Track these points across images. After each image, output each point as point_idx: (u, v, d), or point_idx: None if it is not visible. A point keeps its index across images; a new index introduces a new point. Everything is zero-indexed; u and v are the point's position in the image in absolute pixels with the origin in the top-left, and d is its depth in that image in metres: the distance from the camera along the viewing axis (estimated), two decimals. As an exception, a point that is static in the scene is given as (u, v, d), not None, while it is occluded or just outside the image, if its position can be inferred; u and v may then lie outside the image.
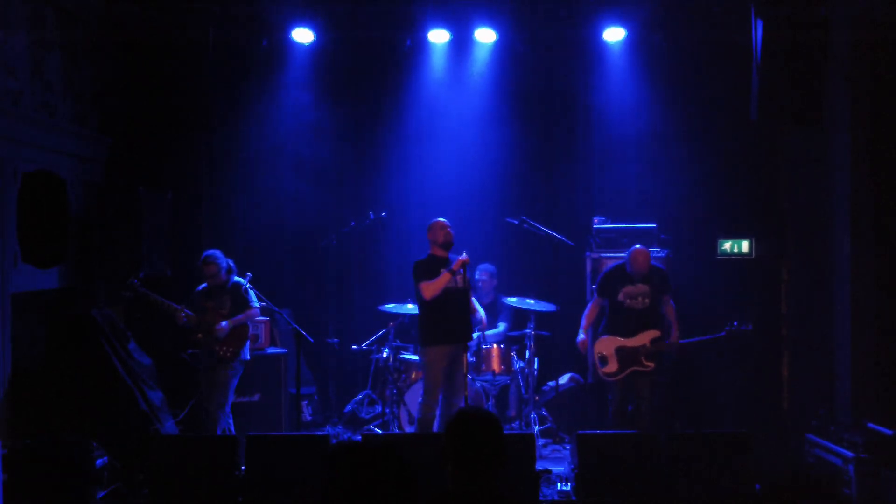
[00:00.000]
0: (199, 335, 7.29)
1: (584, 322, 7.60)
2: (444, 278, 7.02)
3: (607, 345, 7.36)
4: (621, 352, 7.29)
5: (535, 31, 8.70)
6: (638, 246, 7.46)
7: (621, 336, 7.33)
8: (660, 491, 6.13)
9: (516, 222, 8.20)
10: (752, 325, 7.39)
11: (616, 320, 7.39)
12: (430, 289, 7.03)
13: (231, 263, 7.47)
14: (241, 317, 7.35)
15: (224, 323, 7.26)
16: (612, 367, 7.32)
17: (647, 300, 7.31)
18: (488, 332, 8.11)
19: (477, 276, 8.55)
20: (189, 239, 8.54)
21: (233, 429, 7.36)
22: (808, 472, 7.00)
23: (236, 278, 7.43)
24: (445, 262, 7.16)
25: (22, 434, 6.48)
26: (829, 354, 8.14)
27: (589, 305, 7.67)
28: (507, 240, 8.81)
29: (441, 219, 7.31)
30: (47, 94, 7.40)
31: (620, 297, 7.35)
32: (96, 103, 8.25)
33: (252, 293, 7.41)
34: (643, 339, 7.27)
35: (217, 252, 7.42)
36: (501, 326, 8.54)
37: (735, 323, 7.35)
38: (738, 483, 6.15)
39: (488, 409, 6.12)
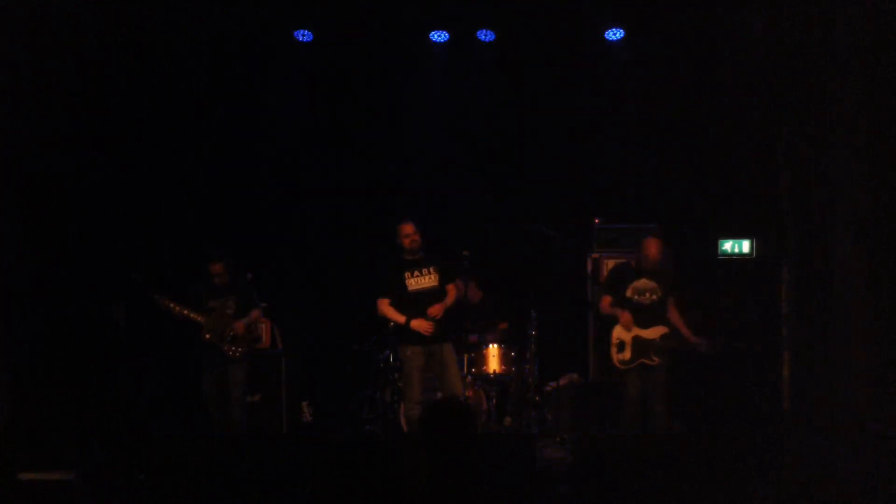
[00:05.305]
0: (208, 335, 7.24)
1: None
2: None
3: (625, 332, 7.34)
4: (637, 341, 7.27)
5: (535, 31, 8.70)
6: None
7: (639, 326, 7.32)
8: (660, 491, 6.13)
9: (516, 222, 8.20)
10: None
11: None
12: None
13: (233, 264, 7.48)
14: (252, 317, 7.37)
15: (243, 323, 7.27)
16: (627, 354, 7.28)
17: (654, 296, 7.30)
18: None
19: None
20: (188, 239, 8.54)
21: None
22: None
23: (238, 278, 7.43)
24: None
25: (22, 433, 6.48)
26: (829, 354, 8.14)
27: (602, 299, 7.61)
28: (508, 240, 8.80)
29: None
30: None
31: (629, 292, 7.34)
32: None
33: (254, 293, 7.42)
34: (655, 332, 7.25)
35: (224, 250, 7.42)
36: None
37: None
38: (738, 484, 6.14)
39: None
